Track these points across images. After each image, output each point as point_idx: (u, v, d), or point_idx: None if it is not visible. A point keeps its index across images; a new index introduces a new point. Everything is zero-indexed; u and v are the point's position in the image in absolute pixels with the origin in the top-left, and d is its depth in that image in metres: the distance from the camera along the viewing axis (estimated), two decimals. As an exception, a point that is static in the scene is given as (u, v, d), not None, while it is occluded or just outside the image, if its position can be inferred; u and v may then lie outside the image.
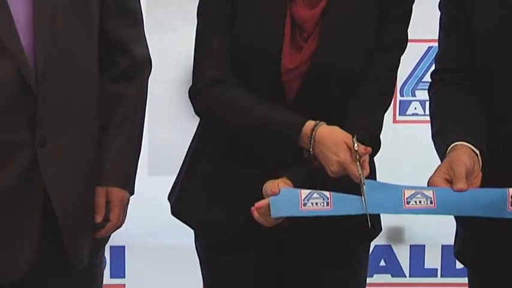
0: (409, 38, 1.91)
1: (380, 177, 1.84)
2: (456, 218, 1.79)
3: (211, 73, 1.75)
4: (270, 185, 1.65)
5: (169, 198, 1.96)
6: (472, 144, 1.56)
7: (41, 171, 1.65)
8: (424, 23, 2.00)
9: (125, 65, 1.86)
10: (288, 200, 1.66)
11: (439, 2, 1.76)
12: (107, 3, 1.78)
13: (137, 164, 1.94)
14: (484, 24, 1.69)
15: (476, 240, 1.75)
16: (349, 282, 1.89)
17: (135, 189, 1.96)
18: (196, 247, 1.92)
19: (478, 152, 1.58)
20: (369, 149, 1.58)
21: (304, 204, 1.63)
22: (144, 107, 1.94)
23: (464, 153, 1.57)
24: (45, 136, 1.68)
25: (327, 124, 1.68)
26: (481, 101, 1.75)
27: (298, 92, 1.71)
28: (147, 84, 1.94)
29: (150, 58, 1.91)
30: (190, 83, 1.83)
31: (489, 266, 1.74)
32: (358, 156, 1.57)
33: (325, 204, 1.63)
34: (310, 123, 1.62)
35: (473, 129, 1.63)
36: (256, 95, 1.73)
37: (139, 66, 1.89)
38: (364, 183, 1.56)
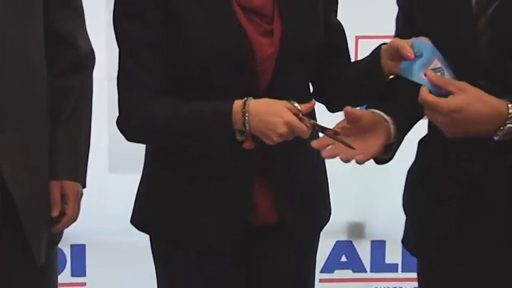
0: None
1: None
2: (403, 208, 1.82)
3: (133, 97, 1.73)
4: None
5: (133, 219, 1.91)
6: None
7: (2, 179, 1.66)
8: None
9: (70, 58, 1.87)
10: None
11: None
12: None
13: (88, 157, 1.96)
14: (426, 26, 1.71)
15: (418, 229, 1.78)
16: (310, 269, 1.90)
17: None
18: (154, 252, 1.91)
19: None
20: (312, 103, 1.62)
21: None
22: (90, 100, 1.96)
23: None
24: (0, 130, 1.67)
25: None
26: None
27: (272, 79, 1.71)
28: (92, 77, 1.96)
29: (94, 51, 1.93)
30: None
31: (431, 252, 1.76)
32: (301, 115, 1.57)
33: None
34: (238, 101, 1.62)
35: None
36: (180, 99, 1.72)
37: (84, 59, 1.91)
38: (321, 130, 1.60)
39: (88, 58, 1.93)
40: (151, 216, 1.86)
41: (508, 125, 1.53)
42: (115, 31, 1.72)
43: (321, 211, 1.86)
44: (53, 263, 1.93)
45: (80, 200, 1.92)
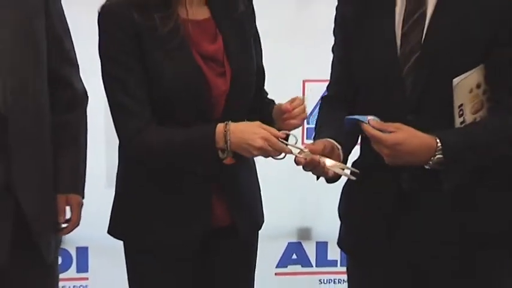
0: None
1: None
2: (339, 215, 1.93)
3: (131, 126, 1.78)
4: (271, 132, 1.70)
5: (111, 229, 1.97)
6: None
7: (14, 184, 1.79)
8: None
9: (68, 98, 2.01)
10: None
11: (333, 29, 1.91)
12: (51, 46, 1.92)
13: (85, 174, 2.09)
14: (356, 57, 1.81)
15: (352, 232, 1.90)
16: (253, 260, 2.03)
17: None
18: (126, 257, 1.96)
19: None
20: (282, 134, 1.71)
21: None
22: (86, 130, 2.09)
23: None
24: (15, 155, 1.80)
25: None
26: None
27: (224, 109, 1.81)
28: (86, 112, 2.07)
29: (86, 91, 2.05)
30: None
31: (361, 252, 1.86)
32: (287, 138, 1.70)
33: None
34: (220, 124, 1.70)
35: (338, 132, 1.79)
36: (170, 127, 1.78)
37: (79, 98, 2.05)
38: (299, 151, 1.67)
39: (82, 97, 2.06)
40: (123, 225, 1.94)
41: (437, 156, 1.63)
42: (103, 74, 1.81)
43: (259, 213, 2.00)
44: (56, 261, 2.07)
45: (81, 208, 2.06)
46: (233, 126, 1.68)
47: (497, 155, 1.73)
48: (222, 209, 1.88)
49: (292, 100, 1.84)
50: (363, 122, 1.65)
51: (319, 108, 1.98)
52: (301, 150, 1.67)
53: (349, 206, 1.90)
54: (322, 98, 2.00)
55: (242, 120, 1.79)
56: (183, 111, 1.77)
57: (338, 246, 1.99)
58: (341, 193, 1.92)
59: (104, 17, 1.76)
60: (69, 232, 2.06)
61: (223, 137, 1.67)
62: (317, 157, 1.66)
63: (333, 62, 1.92)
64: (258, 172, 2.03)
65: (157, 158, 1.78)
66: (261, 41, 1.96)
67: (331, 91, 1.95)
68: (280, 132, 1.68)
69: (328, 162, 1.69)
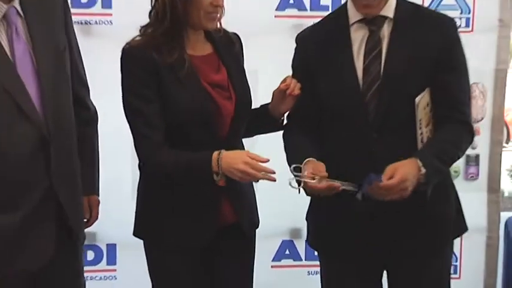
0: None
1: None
2: (306, 218, 2.04)
3: (147, 145, 1.84)
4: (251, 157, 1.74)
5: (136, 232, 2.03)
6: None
7: (56, 192, 1.83)
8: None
9: (85, 116, 2.04)
10: None
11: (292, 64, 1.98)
12: (72, 73, 1.93)
13: (99, 178, 2.13)
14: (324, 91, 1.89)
15: (317, 229, 2.01)
16: (253, 254, 2.09)
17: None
18: (152, 253, 2.01)
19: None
20: (265, 159, 1.75)
21: None
22: (98, 142, 2.13)
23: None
24: (54, 164, 1.82)
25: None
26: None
27: (229, 129, 1.88)
28: (97, 128, 2.12)
29: (97, 111, 2.09)
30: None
31: (328, 249, 1.99)
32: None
33: None
34: (215, 152, 1.76)
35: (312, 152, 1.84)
36: (180, 148, 1.82)
37: (93, 116, 2.10)
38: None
39: (95, 116, 2.11)
40: (144, 228, 2.01)
41: (422, 172, 1.74)
42: (126, 106, 1.86)
43: (256, 214, 2.07)
44: (83, 252, 2.18)
45: (98, 206, 2.14)
46: (225, 153, 1.75)
47: (455, 161, 1.91)
48: (228, 209, 1.94)
49: (284, 80, 1.92)
50: (377, 180, 1.70)
51: (284, 134, 2.01)
52: (313, 177, 1.69)
53: (318, 209, 1.98)
54: (285, 125, 2.03)
55: (241, 133, 1.89)
56: (197, 131, 1.83)
57: (307, 242, 2.08)
58: (311, 199, 1.99)
59: (127, 57, 1.84)
60: (90, 226, 2.13)
61: (216, 162, 1.75)
62: (334, 182, 1.71)
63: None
64: (258, 181, 1.96)
65: (167, 174, 1.86)
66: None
67: (295, 117, 1.99)
68: (262, 157, 1.74)
69: (339, 182, 1.73)
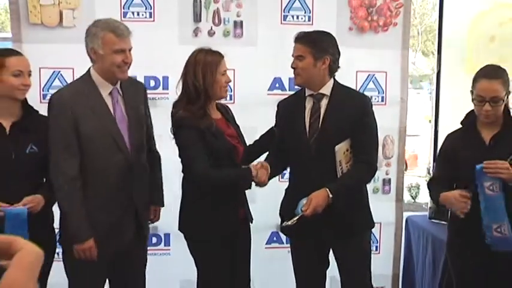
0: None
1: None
2: (280, 213, 2.88)
3: (201, 168, 2.56)
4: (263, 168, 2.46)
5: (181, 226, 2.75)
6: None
7: (135, 202, 2.56)
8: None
9: (153, 157, 2.86)
10: None
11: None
12: (147, 130, 2.65)
13: (163, 194, 2.84)
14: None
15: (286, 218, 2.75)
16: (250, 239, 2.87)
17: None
18: (195, 244, 2.71)
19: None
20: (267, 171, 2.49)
21: None
22: (161, 172, 2.91)
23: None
24: (134, 183, 2.49)
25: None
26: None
27: (242, 158, 2.76)
28: (161, 166, 2.89)
29: (159, 154, 2.80)
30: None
31: (294, 236, 2.86)
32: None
33: None
34: (245, 166, 2.47)
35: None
36: (220, 168, 2.52)
37: (158, 157, 2.93)
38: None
39: (159, 156, 2.90)
40: (185, 224, 2.81)
41: (330, 197, 2.54)
42: (182, 152, 2.58)
43: (251, 214, 2.91)
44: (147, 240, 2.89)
45: (160, 212, 2.94)
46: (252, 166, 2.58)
47: (357, 189, 2.73)
48: (242, 210, 2.88)
49: (261, 165, 2.67)
50: (302, 213, 2.32)
51: (266, 159, 2.85)
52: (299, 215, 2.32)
53: (288, 204, 2.80)
54: (267, 155, 2.94)
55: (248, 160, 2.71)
56: (226, 161, 2.70)
57: (280, 230, 2.96)
58: (284, 195, 2.87)
59: (187, 125, 2.52)
60: (154, 222, 2.96)
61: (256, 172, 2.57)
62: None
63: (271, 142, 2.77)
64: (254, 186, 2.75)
65: (216, 186, 2.68)
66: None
67: (273, 150, 2.90)
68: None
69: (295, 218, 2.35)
